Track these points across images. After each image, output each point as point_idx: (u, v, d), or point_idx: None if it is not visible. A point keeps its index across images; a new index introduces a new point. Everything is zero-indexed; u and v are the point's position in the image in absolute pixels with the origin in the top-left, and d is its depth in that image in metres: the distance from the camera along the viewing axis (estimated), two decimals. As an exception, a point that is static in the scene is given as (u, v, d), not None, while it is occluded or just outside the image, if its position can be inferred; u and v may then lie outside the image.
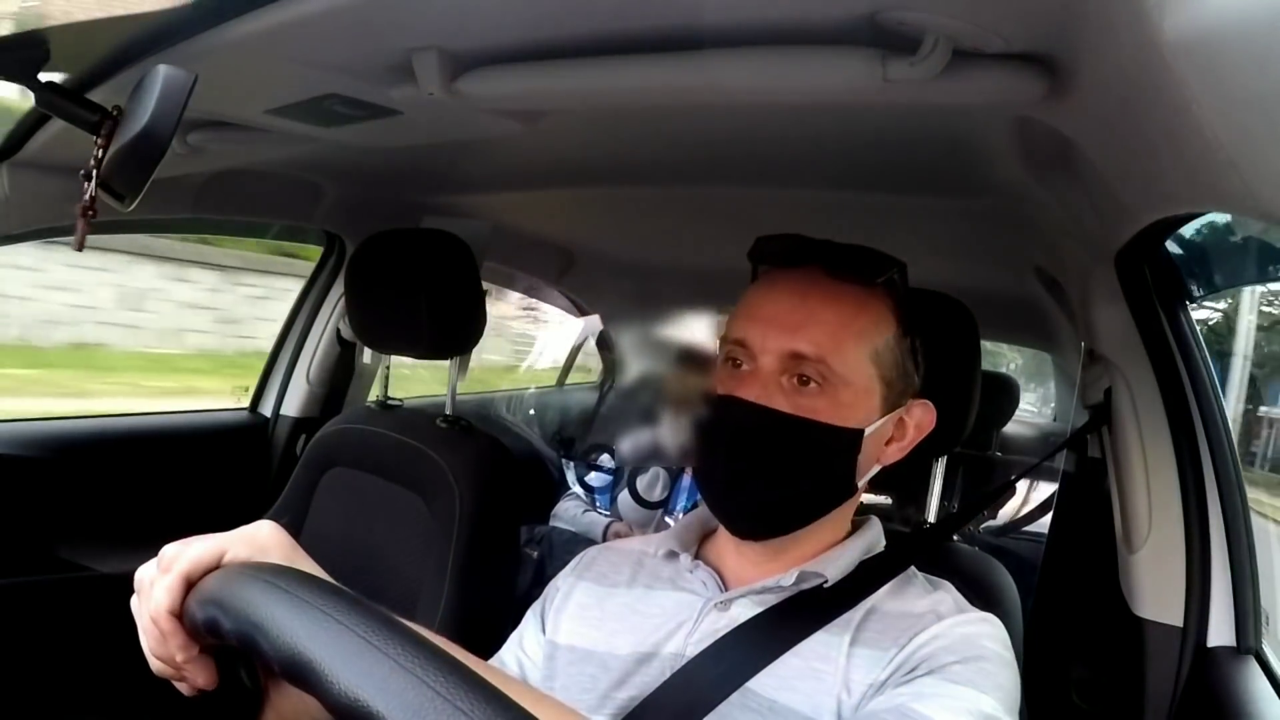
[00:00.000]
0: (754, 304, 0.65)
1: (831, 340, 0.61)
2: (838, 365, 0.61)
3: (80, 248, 0.61)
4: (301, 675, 0.35)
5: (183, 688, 0.47)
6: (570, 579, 0.74)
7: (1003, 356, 3.74)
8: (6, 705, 1.18)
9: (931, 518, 0.94)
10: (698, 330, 2.32)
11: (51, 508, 1.31)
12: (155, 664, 0.47)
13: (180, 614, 0.44)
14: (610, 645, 0.67)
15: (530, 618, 0.75)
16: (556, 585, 0.75)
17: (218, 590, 0.42)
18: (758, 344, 0.62)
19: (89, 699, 1.23)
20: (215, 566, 0.46)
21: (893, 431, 0.66)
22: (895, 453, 0.67)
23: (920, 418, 0.67)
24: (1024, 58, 0.57)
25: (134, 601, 0.48)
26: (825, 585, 0.64)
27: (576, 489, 1.94)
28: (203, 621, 0.42)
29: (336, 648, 0.35)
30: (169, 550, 0.47)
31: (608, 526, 1.78)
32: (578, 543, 1.64)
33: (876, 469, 0.67)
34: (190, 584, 0.45)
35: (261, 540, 0.49)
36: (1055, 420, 3.35)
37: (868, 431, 0.63)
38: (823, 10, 0.56)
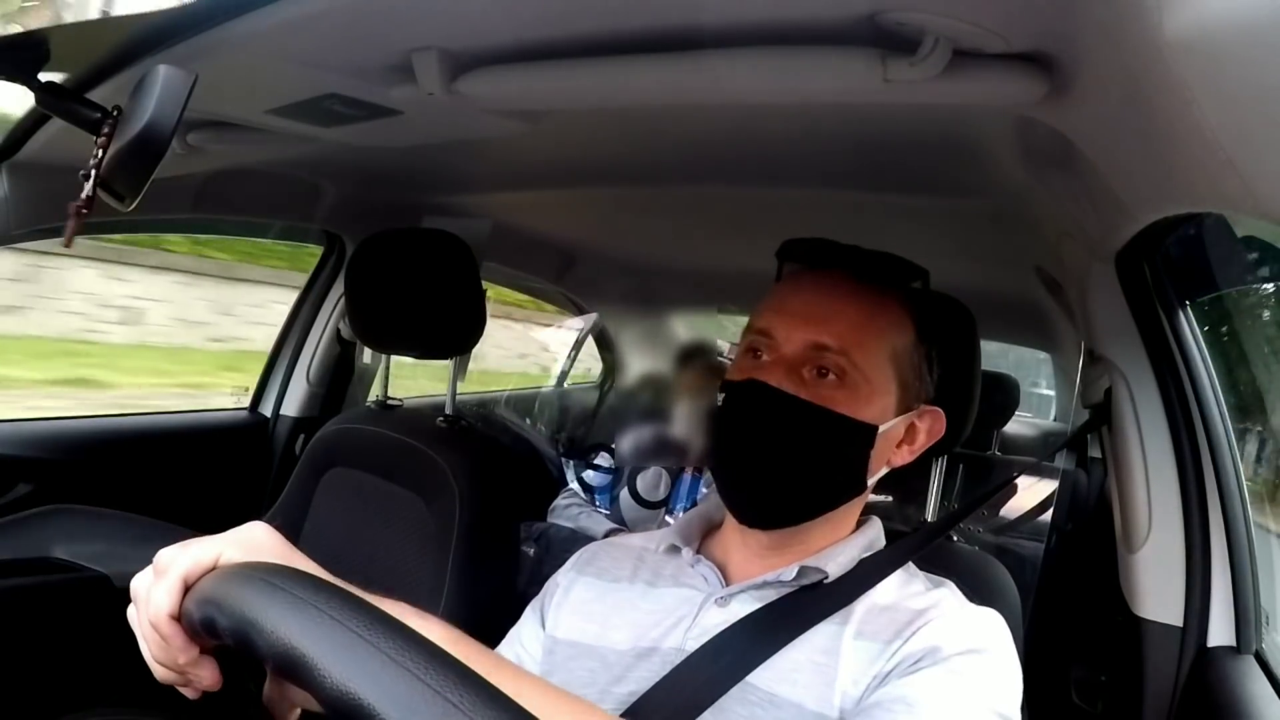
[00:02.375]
0: (779, 298, 0.66)
1: (854, 335, 0.62)
2: (859, 359, 0.62)
3: (69, 244, 0.61)
4: (294, 669, 0.35)
5: (188, 692, 0.47)
6: (571, 574, 0.74)
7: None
8: (6, 705, 1.18)
9: (931, 518, 0.94)
10: (698, 329, 2.32)
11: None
12: (159, 670, 0.47)
13: (179, 617, 0.44)
14: (610, 640, 0.67)
15: (529, 613, 0.75)
16: (557, 581, 0.75)
17: (213, 589, 0.42)
18: (782, 334, 0.63)
19: (89, 699, 1.22)
20: (212, 568, 0.45)
21: (904, 434, 0.67)
22: (904, 455, 0.68)
23: (931, 424, 0.68)
24: (1024, 58, 0.57)
25: (130, 612, 0.48)
26: (826, 581, 0.64)
27: (576, 488, 1.94)
28: (200, 621, 0.42)
29: (328, 642, 0.35)
30: (164, 554, 0.47)
31: (608, 534, 1.77)
32: (576, 540, 1.63)
33: (885, 470, 0.68)
34: (188, 587, 0.45)
35: (256, 541, 0.49)
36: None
37: (882, 429, 0.64)
38: (823, 11, 0.57)
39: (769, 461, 0.63)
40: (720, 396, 0.66)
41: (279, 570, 0.41)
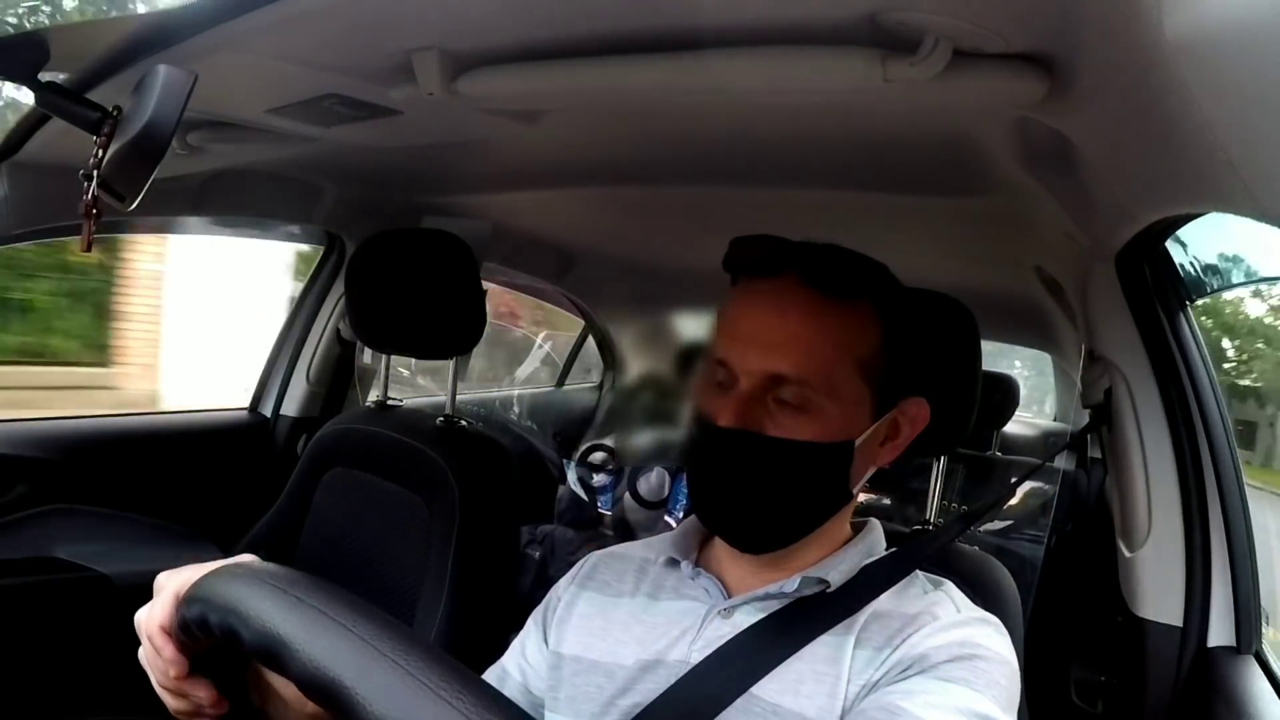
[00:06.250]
0: (732, 320, 0.63)
1: (813, 358, 0.59)
2: (821, 382, 0.59)
3: (88, 248, 0.61)
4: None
5: None
6: (573, 588, 0.74)
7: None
8: (6, 705, 1.18)
9: (931, 518, 0.94)
10: (698, 330, 2.32)
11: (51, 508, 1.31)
12: (169, 701, 0.49)
13: (170, 630, 0.47)
14: (615, 655, 0.66)
15: (532, 627, 0.75)
16: (558, 595, 0.74)
17: (199, 588, 0.45)
18: (738, 365, 0.61)
19: (89, 699, 1.23)
20: None
21: (886, 433, 0.65)
22: (890, 452, 0.67)
23: (915, 414, 0.66)
24: (1024, 58, 0.57)
25: (140, 652, 0.50)
26: (828, 590, 0.63)
27: (577, 489, 1.94)
28: (180, 620, 0.45)
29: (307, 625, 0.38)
30: (161, 576, 0.49)
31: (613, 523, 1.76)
32: (580, 543, 1.64)
33: (872, 470, 0.67)
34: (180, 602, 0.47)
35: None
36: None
37: (858, 441, 0.62)
38: (823, 10, 0.57)
39: (745, 500, 0.62)
40: (690, 429, 0.64)
41: (265, 567, 0.45)
